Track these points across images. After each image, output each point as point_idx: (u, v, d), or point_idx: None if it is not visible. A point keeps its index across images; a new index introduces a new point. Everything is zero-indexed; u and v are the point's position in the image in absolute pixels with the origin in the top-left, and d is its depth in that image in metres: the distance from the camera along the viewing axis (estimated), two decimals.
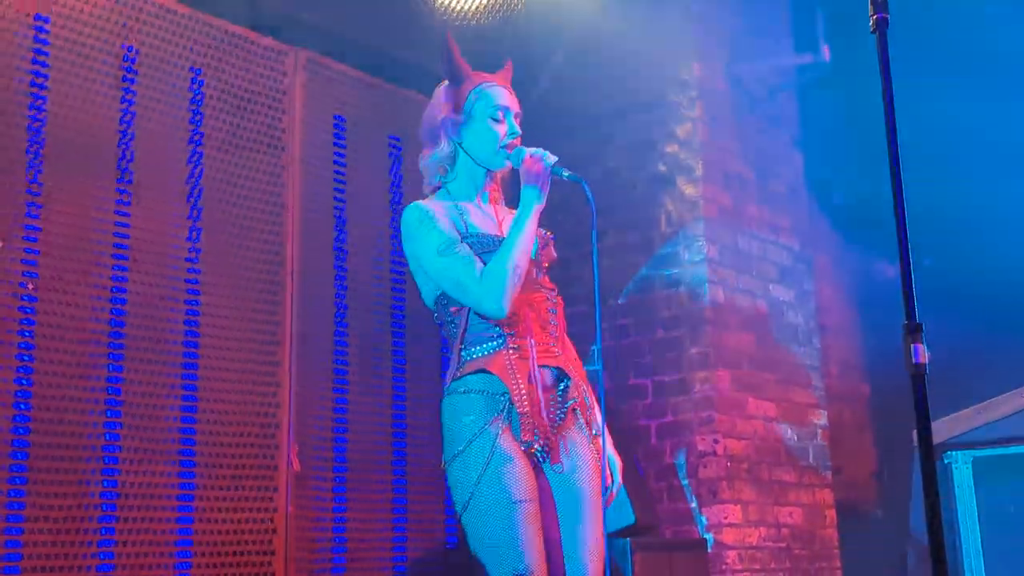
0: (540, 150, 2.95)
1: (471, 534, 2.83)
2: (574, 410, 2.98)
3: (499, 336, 2.91)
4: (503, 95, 3.08)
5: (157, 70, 4.24)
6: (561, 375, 2.99)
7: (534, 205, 2.93)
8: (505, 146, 3.02)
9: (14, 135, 3.78)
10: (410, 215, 2.98)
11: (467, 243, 2.92)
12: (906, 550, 5.57)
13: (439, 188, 3.10)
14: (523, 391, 2.88)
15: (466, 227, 2.97)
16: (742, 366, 5.62)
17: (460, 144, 3.05)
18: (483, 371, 2.89)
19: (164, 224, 4.18)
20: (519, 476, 2.82)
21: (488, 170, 3.08)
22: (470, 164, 3.06)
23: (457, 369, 2.93)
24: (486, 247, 2.93)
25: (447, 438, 2.90)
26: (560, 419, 2.95)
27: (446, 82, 3.12)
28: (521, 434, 2.86)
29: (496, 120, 3.04)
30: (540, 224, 3.01)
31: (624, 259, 5.77)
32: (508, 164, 3.05)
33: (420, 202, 3.02)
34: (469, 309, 2.92)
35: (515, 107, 3.09)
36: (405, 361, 4.94)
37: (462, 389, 2.90)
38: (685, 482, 5.39)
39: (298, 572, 4.35)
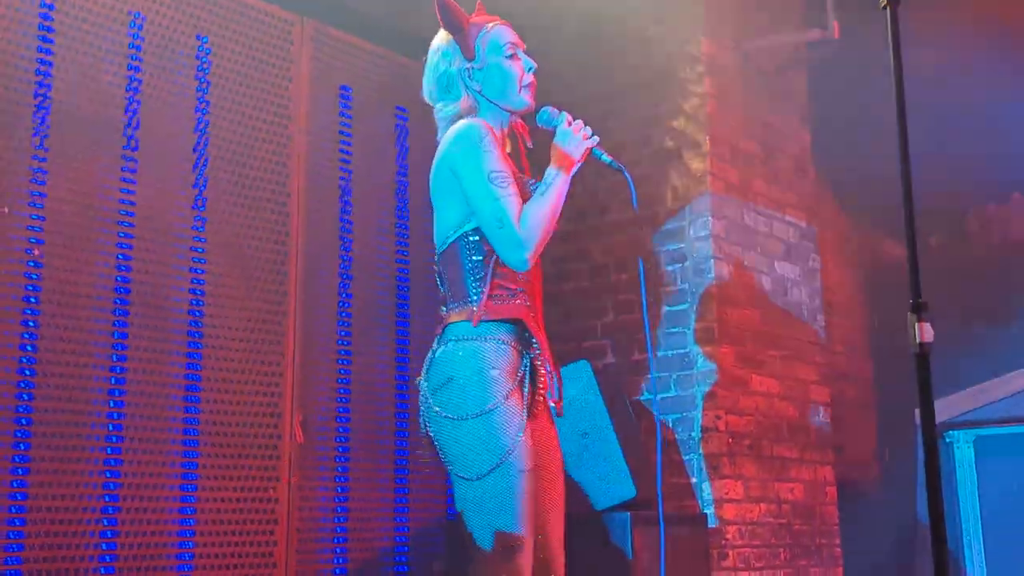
0: (583, 125, 2.94)
1: (478, 498, 2.71)
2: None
3: (520, 292, 2.86)
4: (508, 32, 3.03)
5: (163, 37, 4.23)
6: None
7: (566, 175, 2.89)
8: (527, 84, 2.98)
9: (20, 101, 3.77)
10: (471, 131, 2.87)
11: None
12: (910, 533, 5.59)
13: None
14: (546, 348, 2.86)
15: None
16: (746, 342, 5.62)
17: (479, 91, 2.98)
18: (515, 321, 2.82)
19: (169, 192, 4.18)
20: (531, 443, 2.78)
21: (512, 112, 3.02)
22: (494, 110, 2.99)
23: (478, 312, 2.81)
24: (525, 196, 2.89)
25: (464, 388, 2.76)
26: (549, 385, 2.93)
27: (443, 33, 3.04)
28: (550, 392, 2.86)
29: (510, 58, 2.98)
30: None
31: (629, 234, 5.76)
32: (531, 103, 3.00)
33: (477, 121, 2.92)
34: (496, 255, 2.84)
35: (522, 43, 3.04)
36: (409, 333, 4.95)
37: (492, 336, 2.80)
38: (686, 457, 5.39)
39: (301, 542, 4.37)
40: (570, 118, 2.96)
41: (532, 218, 2.79)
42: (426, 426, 2.88)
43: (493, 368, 2.76)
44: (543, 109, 3.00)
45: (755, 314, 5.71)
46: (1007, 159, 6.54)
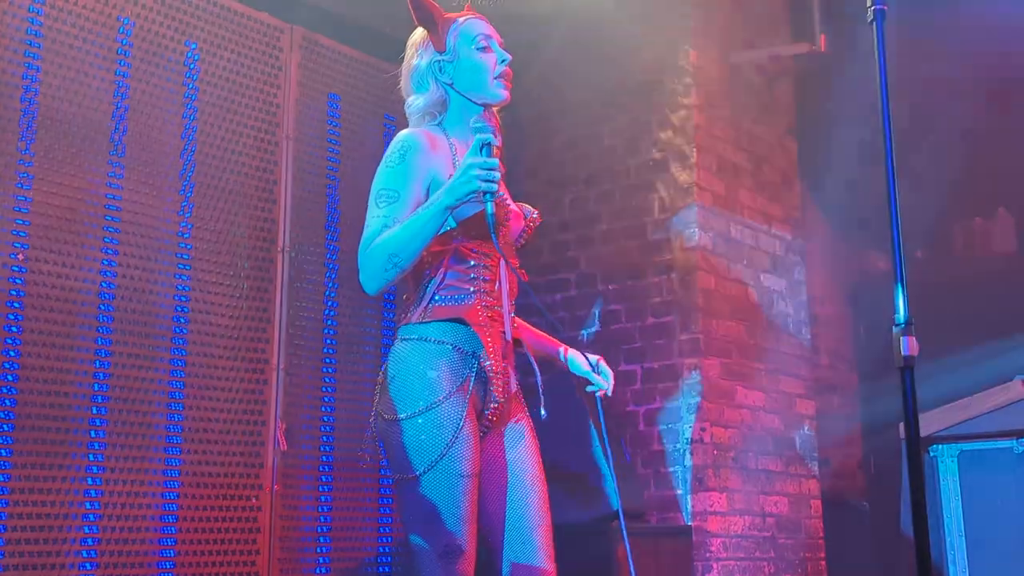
0: (491, 169, 2.65)
1: (413, 501, 2.65)
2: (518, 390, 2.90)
3: (477, 291, 2.77)
4: (482, 24, 2.94)
5: (152, 43, 4.22)
6: (515, 343, 2.91)
7: (439, 208, 2.65)
8: (500, 75, 2.86)
9: (7, 105, 3.76)
10: (396, 143, 2.80)
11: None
12: (895, 547, 5.59)
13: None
14: (497, 350, 2.76)
15: (454, 169, 2.77)
16: (732, 354, 5.62)
17: (451, 85, 2.88)
18: (458, 320, 2.73)
19: (156, 198, 4.17)
20: (474, 448, 2.70)
21: (485, 104, 2.90)
22: (464, 103, 2.89)
23: (424, 311, 2.75)
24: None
25: (405, 389, 2.70)
26: (508, 392, 2.85)
27: (419, 30, 2.95)
28: (496, 394, 2.75)
29: (482, 49, 2.89)
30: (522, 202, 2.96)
31: (616, 244, 5.77)
32: (506, 95, 2.88)
33: (414, 131, 2.83)
34: (451, 252, 2.76)
35: (497, 36, 2.94)
36: (394, 340, 4.93)
37: (431, 337, 2.73)
38: (671, 469, 5.39)
39: (284, 551, 4.35)
40: (495, 148, 2.69)
41: (380, 245, 2.69)
42: (372, 424, 2.84)
43: (431, 369, 2.71)
44: (482, 122, 2.78)
45: (741, 326, 5.72)
46: (993, 173, 6.57)
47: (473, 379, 2.74)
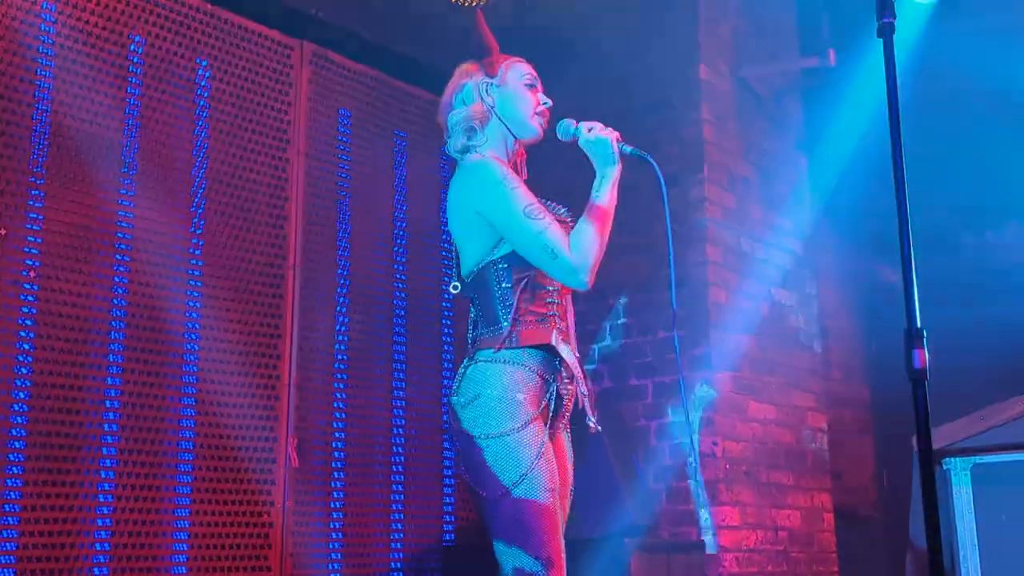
0: (599, 125, 2.95)
1: (503, 517, 2.74)
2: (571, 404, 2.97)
3: (552, 315, 2.89)
4: (532, 68, 3.08)
5: (163, 60, 4.24)
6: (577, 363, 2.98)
7: (613, 174, 2.94)
8: (540, 112, 3.00)
9: (19, 122, 3.78)
10: (489, 171, 2.87)
11: None
12: (905, 556, 5.57)
13: (468, 151, 3.00)
14: (568, 375, 2.89)
15: None
16: (743, 368, 5.61)
17: (493, 108, 2.99)
18: (544, 347, 2.84)
19: (167, 215, 4.18)
20: (555, 465, 2.82)
21: (517, 138, 3.03)
22: (502, 129, 3.00)
23: (508, 337, 2.85)
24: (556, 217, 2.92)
25: (489, 409, 2.80)
26: (570, 412, 2.98)
27: (465, 64, 3.08)
28: (558, 419, 2.88)
29: (529, 86, 3.03)
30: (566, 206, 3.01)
31: (627, 259, 5.76)
32: (539, 134, 3.02)
33: (497, 158, 2.94)
34: (532, 277, 2.87)
35: (541, 85, 3.08)
36: (405, 357, 4.94)
37: (520, 362, 2.83)
38: (684, 483, 5.38)
39: (295, 567, 4.35)
40: (588, 125, 2.96)
41: (582, 241, 2.84)
42: (454, 442, 2.91)
43: (519, 392, 2.81)
44: (560, 122, 3.02)
45: (752, 340, 5.71)
46: (1003, 186, 6.55)
47: (551, 403, 2.86)
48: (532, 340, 2.84)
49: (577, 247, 2.82)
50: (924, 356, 2.50)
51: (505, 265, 2.88)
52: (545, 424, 2.83)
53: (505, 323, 2.87)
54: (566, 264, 2.80)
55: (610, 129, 2.94)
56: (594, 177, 2.91)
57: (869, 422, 7.19)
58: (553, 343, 2.84)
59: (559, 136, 3.02)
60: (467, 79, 3.03)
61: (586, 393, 2.95)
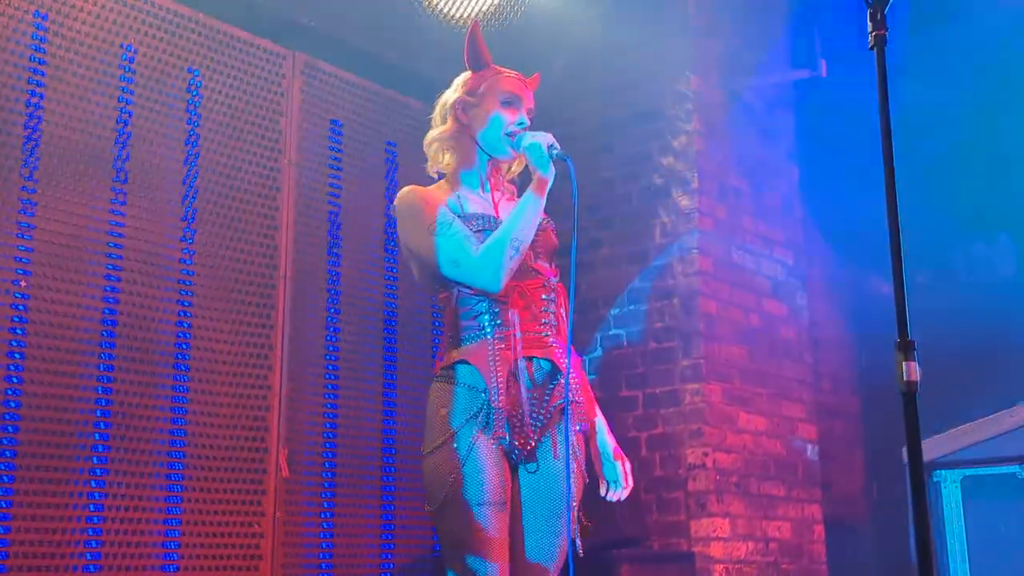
0: (541, 132, 2.91)
1: (440, 531, 2.84)
2: (561, 410, 2.91)
3: (488, 325, 2.87)
4: (517, 86, 3.03)
5: (155, 70, 4.23)
6: (554, 369, 2.92)
7: (541, 177, 2.87)
8: (510, 133, 2.96)
9: (10, 132, 3.77)
10: (401, 200, 2.94)
11: (463, 221, 2.88)
12: (897, 566, 5.57)
13: (440, 175, 3.06)
14: (501, 387, 2.82)
15: (462, 208, 2.93)
16: (733, 379, 5.61)
17: (467, 125, 3.00)
18: (465, 362, 2.86)
19: (158, 225, 4.17)
20: (495, 478, 2.78)
21: (491, 157, 3.02)
22: (474, 149, 3.01)
23: (445, 355, 2.92)
24: (483, 226, 2.89)
25: (427, 428, 2.87)
26: (545, 418, 2.90)
27: (468, 71, 3.08)
28: (494, 431, 2.81)
29: (506, 107, 2.99)
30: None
31: (618, 269, 5.77)
32: (513, 154, 2.99)
33: (412, 188, 2.98)
34: (457, 295, 2.88)
35: (529, 102, 3.04)
36: (396, 367, 4.94)
37: (446, 378, 2.88)
38: (673, 494, 5.38)
39: None
40: (532, 133, 2.92)
41: (491, 241, 2.83)
42: None
43: (442, 407, 2.85)
44: (519, 136, 2.96)
45: (743, 351, 5.72)
46: (994, 199, 6.57)
47: (486, 411, 2.82)
48: (457, 357, 2.87)
49: (486, 249, 2.82)
50: (915, 368, 2.51)
51: (439, 286, 2.94)
52: (473, 432, 2.80)
53: (443, 340, 2.95)
54: (469, 268, 2.82)
55: (547, 134, 2.90)
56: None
57: (859, 433, 7.20)
58: (469, 359, 2.83)
59: (515, 150, 2.98)
60: (450, 95, 3.05)
61: (574, 399, 2.91)
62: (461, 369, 2.86)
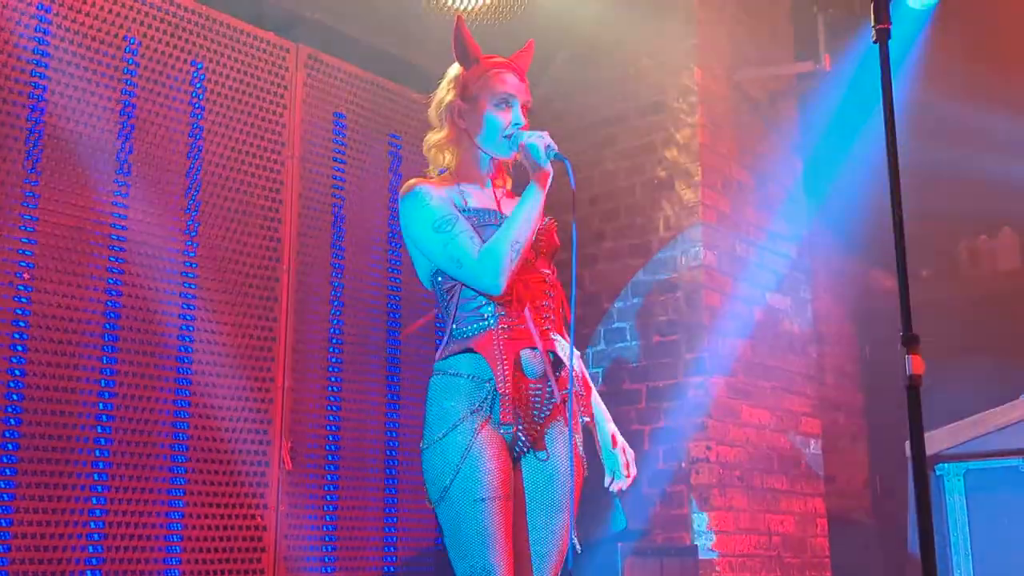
0: (537, 132, 2.90)
1: (443, 525, 2.82)
2: (564, 402, 2.90)
3: (491, 316, 2.86)
4: (511, 83, 3.01)
5: (158, 62, 4.23)
6: (557, 361, 2.91)
7: (539, 178, 2.87)
8: (507, 135, 2.96)
9: (13, 124, 3.77)
10: (408, 193, 2.93)
11: (466, 217, 2.88)
12: (903, 565, 5.57)
13: (443, 172, 3.05)
14: (508, 375, 2.82)
15: (465, 203, 2.93)
16: (737, 373, 5.61)
17: (466, 130, 3.01)
18: (470, 351, 2.84)
19: (162, 217, 4.17)
20: (495, 471, 2.78)
21: (492, 157, 3.03)
22: (474, 150, 3.01)
23: (445, 348, 2.90)
24: (486, 221, 2.89)
25: (427, 421, 2.86)
26: (548, 411, 2.90)
27: (457, 64, 3.06)
28: (501, 417, 2.80)
29: (501, 108, 2.98)
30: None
31: (621, 263, 5.77)
32: (514, 153, 2.98)
33: (418, 180, 2.97)
34: (460, 286, 2.88)
35: (523, 95, 3.03)
36: (400, 360, 4.94)
37: (448, 370, 2.86)
38: (677, 488, 5.38)
39: (288, 571, 4.34)
40: (528, 134, 2.91)
41: (492, 244, 2.82)
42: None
43: (444, 400, 2.84)
44: (515, 135, 2.96)
45: (746, 345, 5.71)
46: (997, 192, 6.57)
47: (489, 404, 2.82)
48: (457, 348, 2.86)
49: (485, 251, 2.81)
50: (919, 362, 2.50)
51: (440, 279, 2.93)
52: (476, 425, 2.80)
53: (445, 332, 2.93)
54: (471, 270, 2.81)
55: (543, 134, 2.90)
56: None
57: (863, 427, 7.20)
58: (475, 348, 2.83)
59: (514, 150, 2.97)
60: (445, 95, 3.04)
61: (555, 391, 2.89)
62: (463, 359, 2.85)
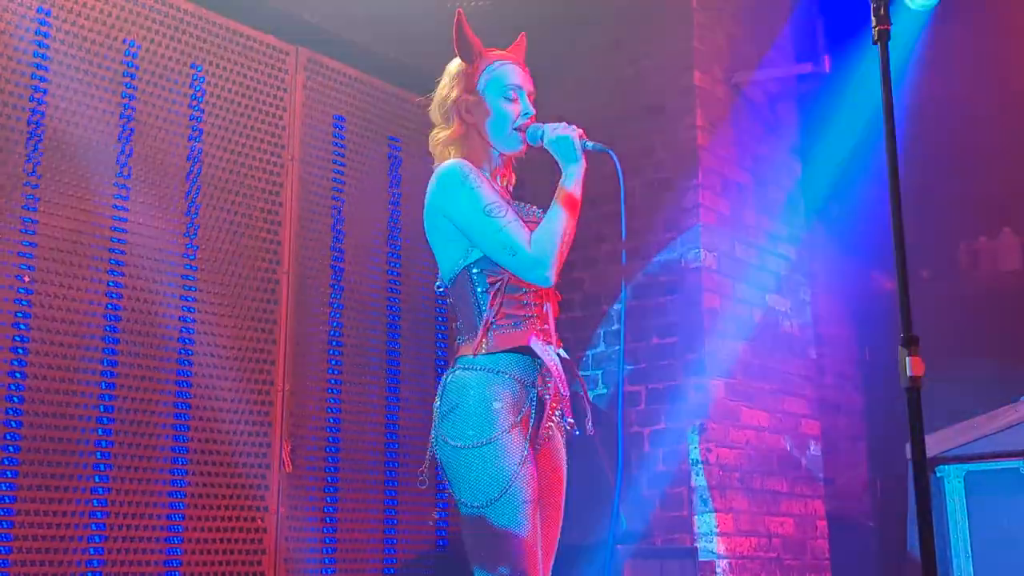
0: (563, 124, 2.89)
1: (482, 528, 2.70)
2: (561, 417, 2.90)
3: (530, 317, 2.82)
4: (516, 73, 3.00)
5: (158, 65, 4.23)
6: (565, 365, 2.89)
7: (576, 171, 2.86)
8: (518, 127, 2.94)
9: (13, 127, 3.77)
10: (452, 173, 2.84)
11: None
12: (902, 568, 5.57)
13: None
14: (559, 375, 2.80)
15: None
16: (736, 375, 5.61)
17: (473, 124, 2.95)
18: (520, 351, 2.78)
19: (162, 220, 4.17)
20: (535, 475, 2.76)
21: (501, 152, 2.99)
22: (483, 145, 2.97)
23: (485, 342, 2.79)
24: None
25: (469, 419, 2.74)
26: (561, 410, 2.91)
27: (457, 59, 3.02)
28: (544, 420, 2.81)
29: (509, 100, 2.96)
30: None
31: (621, 264, 5.77)
32: (523, 147, 2.96)
33: (458, 160, 2.89)
34: (506, 280, 2.80)
35: (528, 85, 3.01)
36: (399, 362, 4.94)
37: (495, 368, 2.78)
38: (676, 490, 5.38)
39: (288, 572, 4.34)
40: (553, 126, 2.90)
41: (542, 236, 2.78)
42: (432, 449, 2.86)
43: (495, 400, 2.75)
44: (530, 128, 2.95)
45: (746, 347, 5.71)
46: (998, 193, 6.57)
47: (533, 409, 2.81)
48: (508, 344, 2.79)
49: (537, 242, 2.76)
50: (919, 363, 2.50)
51: (478, 270, 2.83)
52: (527, 431, 2.78)
53: (481, 328, 2.81)
54: (525, 260, 2.75)
55: (573, 127, 2.89)
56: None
57: (862, 429, 7.20)
58: (531, 345, 2.78)
59: (530, 142, 2.98)
60: (450, 91, 2.98)
61: (564, 394, 2.87)
62: (511, 359, 2.79)
